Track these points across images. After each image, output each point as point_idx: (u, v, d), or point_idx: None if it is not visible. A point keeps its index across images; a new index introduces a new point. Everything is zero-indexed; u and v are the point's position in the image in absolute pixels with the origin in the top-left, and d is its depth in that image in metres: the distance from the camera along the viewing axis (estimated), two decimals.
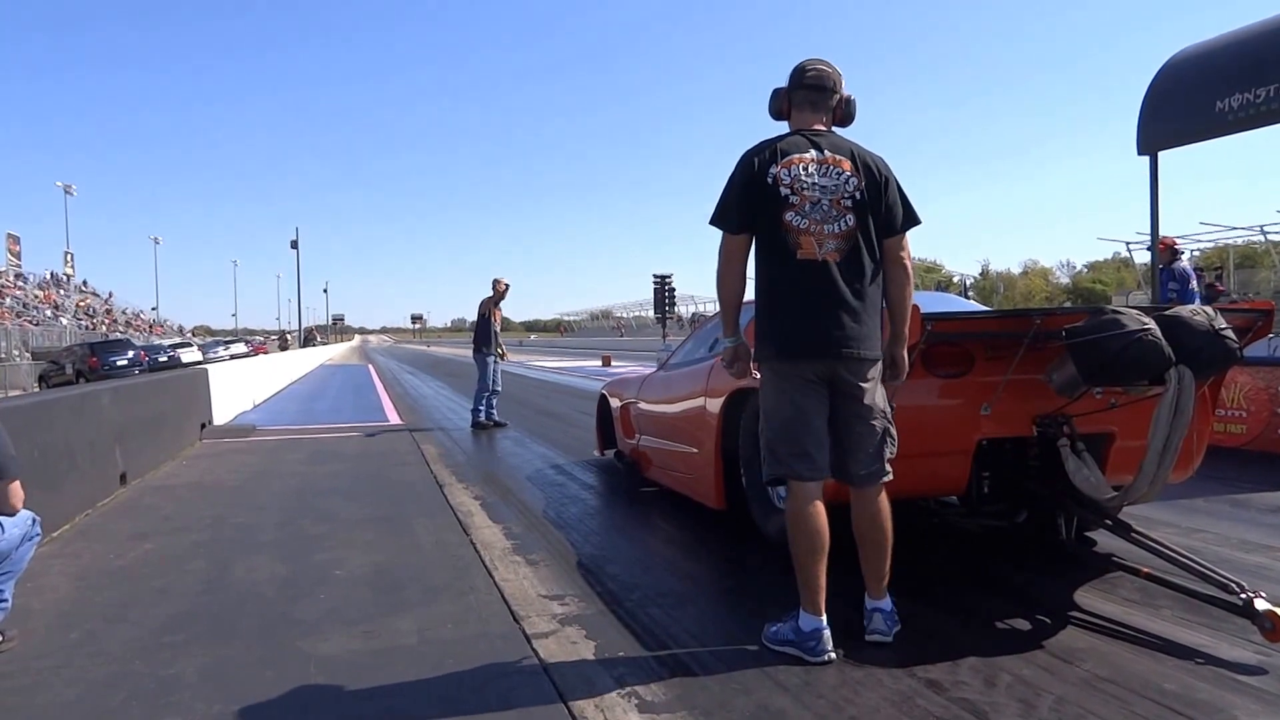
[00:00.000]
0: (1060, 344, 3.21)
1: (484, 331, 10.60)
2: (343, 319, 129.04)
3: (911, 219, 3.06)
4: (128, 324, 62.14)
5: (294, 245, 53.22)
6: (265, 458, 8.15)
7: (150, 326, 67.36)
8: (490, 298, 10.61)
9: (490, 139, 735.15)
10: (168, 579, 4.09)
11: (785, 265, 2.94)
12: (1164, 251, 8.65)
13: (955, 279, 68.62)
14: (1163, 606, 3.38)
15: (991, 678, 2.75)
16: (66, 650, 3.20)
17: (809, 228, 2.91)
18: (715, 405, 4.59)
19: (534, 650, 3.06)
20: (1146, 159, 8.02)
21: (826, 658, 2.88)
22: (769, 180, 2.93)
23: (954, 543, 4.45)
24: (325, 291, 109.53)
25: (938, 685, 2.70)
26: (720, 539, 4.58)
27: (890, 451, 3.05)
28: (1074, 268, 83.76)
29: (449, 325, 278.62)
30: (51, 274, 60.52)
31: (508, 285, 10.69)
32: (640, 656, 2.99)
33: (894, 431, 3.07)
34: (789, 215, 2.92)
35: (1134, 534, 3.53)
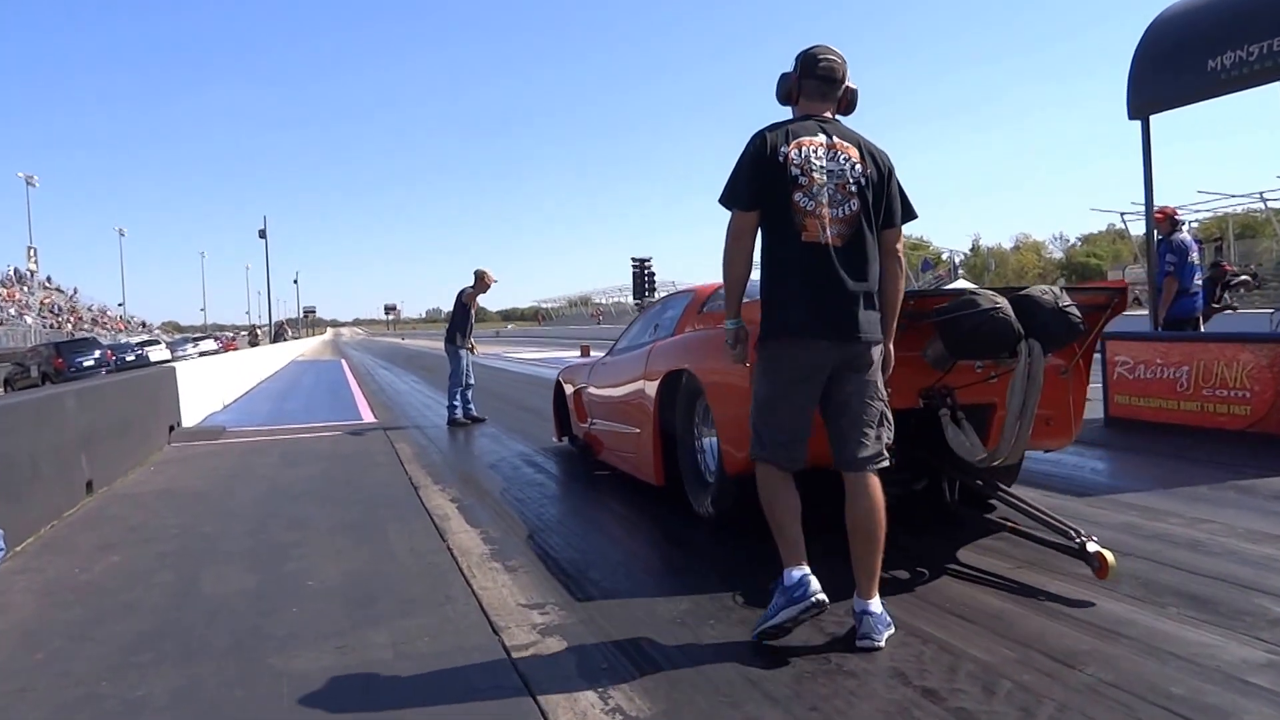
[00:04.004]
0: (934, 322, 3.48)
1: (461, 321, 10.44)
2: (314, 311, 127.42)
3: (910, 214, 3.15)
4: (94, 321, 61.20)
5: (262, 235, 52.39)
6: (236, 461, 7.98)
7: (119, 323, 66.33)
8: (474, 289, 10.38)
9: (464, 124, 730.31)
10: (135, 593, 3.96)
11: (790, 248, 2.96)
12: (1162, 222, 8.29)
13: (945, 255, 67.72)
14: (1168, 604, 3.32)
15: (990, 684, 2.68)
16: (31, 672, 3.07)
17: (815, 210, 2.94)
18: (652, 388, 4.92)
19: (513, 664, 2.96)
20: (1138, 124, 7.86)
21: (815, 599, 2.90)
22: (780, 159, 2.95)
23: (941, 536, 4.38)
24: (295, 283, 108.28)
25: (934, 694, 2.63)
26: (708, 544, 4.46)
27: (887, 437, 3.07)
28: (1067, 241, 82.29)
29: (423, 316, 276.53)
30: (15, 270, 59.37)
31: (496, 281, 10.45)
32: (623, 668, 2.90)
33: (890, 416, 3.09)
34: (798, 195, 2.94)
35: (1000, 492, 3.99)
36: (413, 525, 5.07)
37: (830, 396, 3.05)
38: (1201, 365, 7.19)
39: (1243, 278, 10.50)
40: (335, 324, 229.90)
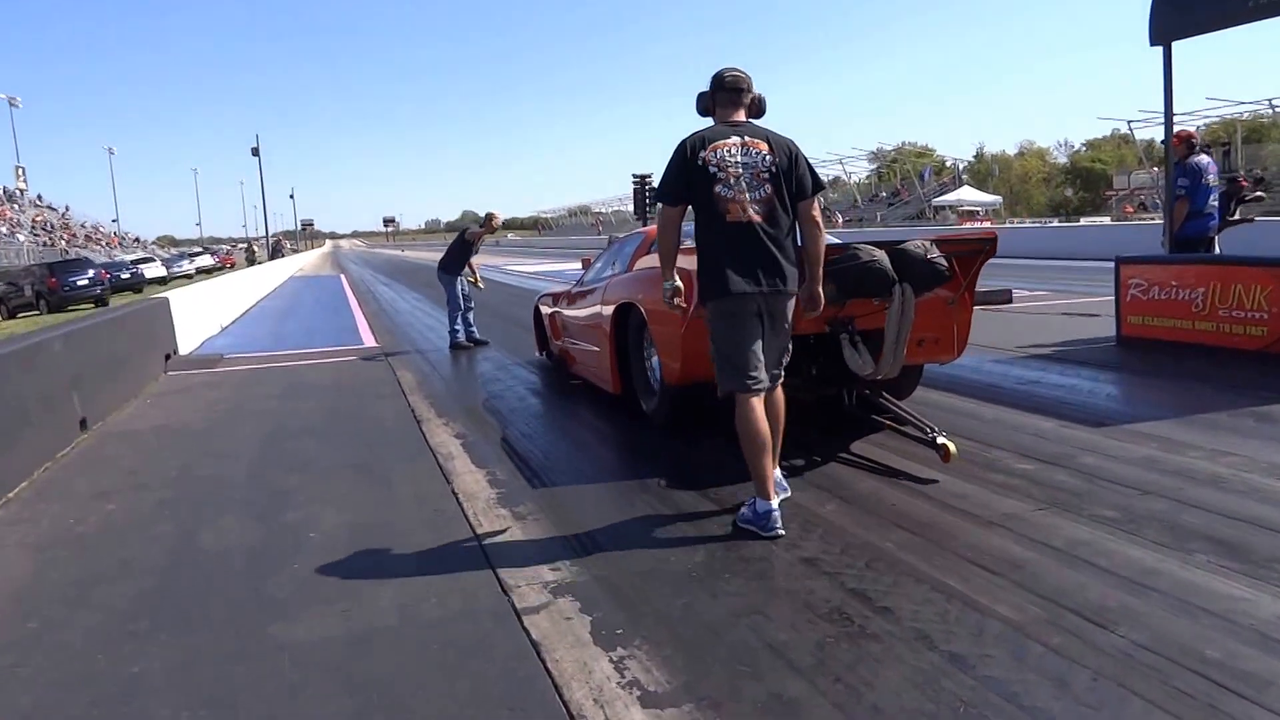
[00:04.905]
0: (827, 270, 4.08)
1: (459, 254, 10.33)
2: (312, 224, 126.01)
3: (818, 185, 3.82)
4: (87, 238, 60.42)
5: (255, 153, 51.71)
6: (234, 392, 7.83)
7: (113, 239, 65.62)
8: (481, 229, 10.44)
9: (463, 29, 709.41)
10: (131, 549, 3.84)
11: (718, 227, 3.66)
12: (1179, 145, 8.05)
13: (949, 163, 67.47)
14: (1195, 551, 3.20)
15: (1020, 649, 2.57)
16: (25, 643, 2.96)
17: (734, 196, 3.63)
18: (608, 312, 5.90)
19: (525, 630, 2.85)
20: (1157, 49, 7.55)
21: (776, 533, 3.55)
22: (699, 162, 3.64)
23: (961, 485, 4.25)
24: (292, 198, 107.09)
25: (962, 660, 2.52)
26: (726, 494, 4.17)
27: (786, 361, 3.90)
28: (1072, 147, 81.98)
29: (422, 226, 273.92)
30: (4, 190, 58.36)
31: (500, 228, 11.15)
32: (638, 633, 2.78)
33: (790, 348, 3.93)
34: (718, 188, 3.64)
35: (882, 396, 5.08)
36: (417, 466, 4.94)
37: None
38: (1218, 286, 7.12)
39: (1257, 193, 10.22)
40: (334, 236, 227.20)
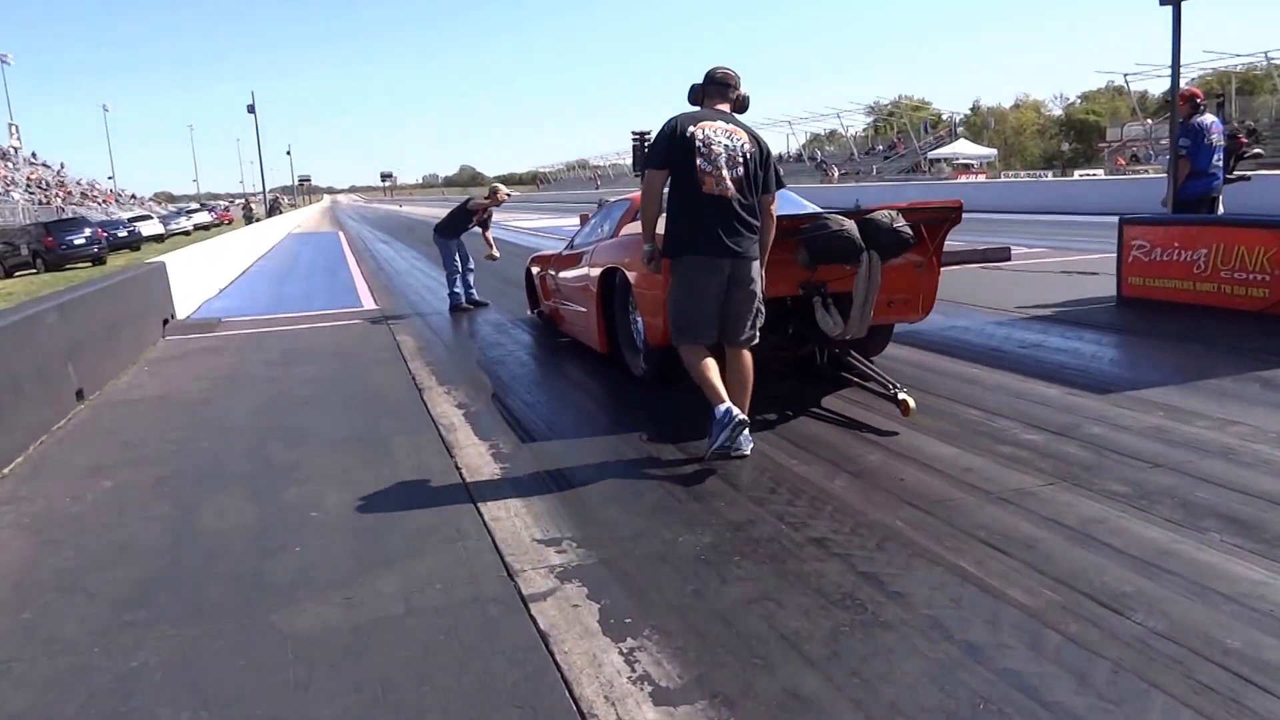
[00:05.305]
0: (800, 238, 4.62)
1: (458, 222, 10.17)
2: (309, 180, 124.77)
3: (780, 184, 4.33)
4: (84, 195, 59.80)
5: (251, 110, 51.03)
6: (233, 358, 7.73)
7: (109, 196, 64.99)
8: (485, 200, 10.31)
9: None
10: (129, 530, 3.77)
11: (693, 195, 4.08)
12: (1183, 105, 8.02)
13: (945, 116, 67.44)
14: (1209, 529, 3.15)
15: (1038, 637, 2.52)
16: (19, 636, 2.89)
17: (713, 171, 4.06)
18: (595, 274, 6.15)
19: (532, 619, 2.78)
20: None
21: (739, 418, 3.98)
22: (686, 135, 4.08)
23: (969, 458, 4.18)
24: (288, 154, 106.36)
25: (979, 651, 2.46)
26: (732, 468, 4.07)
27: (760, 323, 4.29)
28: (1067, 100, 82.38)
29: (420, 181, 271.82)
30: None
31: (508, 198, 11.02)
32: (648, 622, 2.72)
33: (763, 311, 4.32)
34: (699, 161, 4.06)
35: (850, 356, 5.26)
36: (419, 438, 4.86)
37: (726, 299, 4.17)
38: (1220, 247, 7.11)
39: (1255, 150, 10.13)
40: (331, 191, 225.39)
